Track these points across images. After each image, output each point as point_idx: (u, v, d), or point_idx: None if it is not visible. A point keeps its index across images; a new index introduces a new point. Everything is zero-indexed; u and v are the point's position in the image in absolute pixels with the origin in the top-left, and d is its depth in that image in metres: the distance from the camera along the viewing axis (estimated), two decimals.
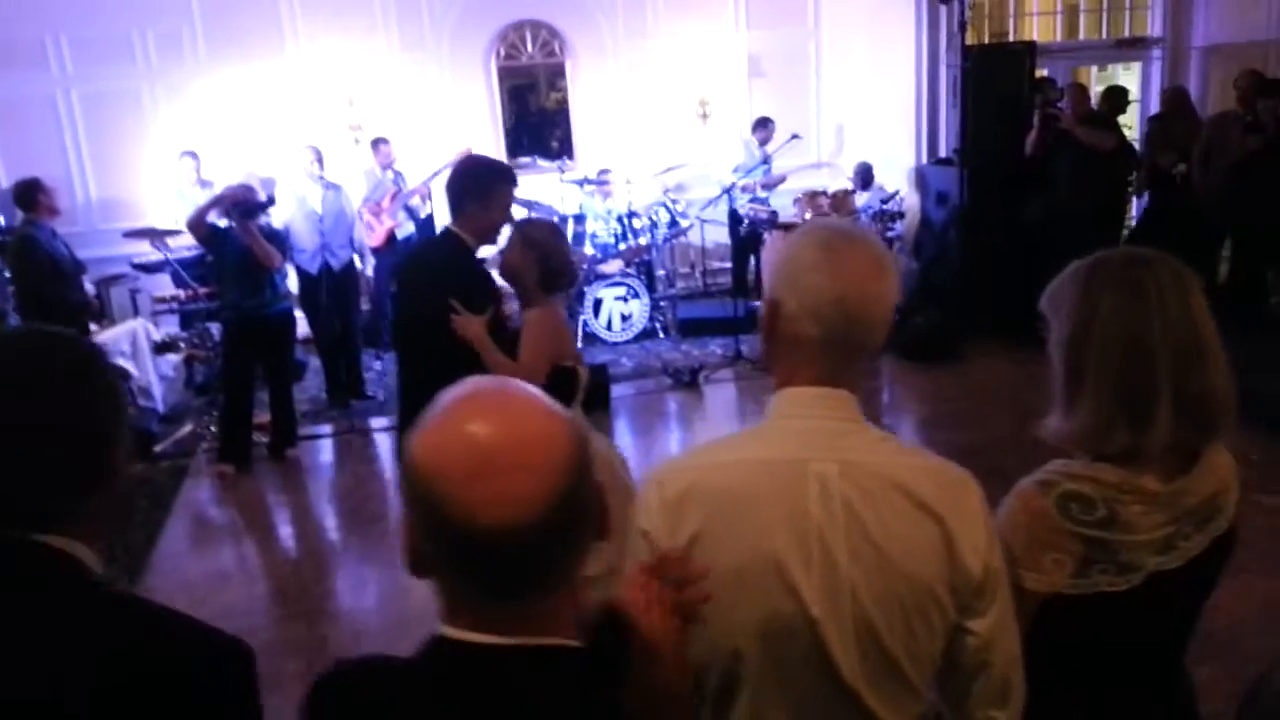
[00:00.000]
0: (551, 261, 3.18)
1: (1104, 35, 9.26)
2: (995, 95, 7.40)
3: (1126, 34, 9.15)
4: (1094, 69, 9.38)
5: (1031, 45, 7.71)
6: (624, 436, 6.23)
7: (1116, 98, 7.67)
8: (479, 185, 3.34)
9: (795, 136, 8.41)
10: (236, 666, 1.08)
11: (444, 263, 3.39)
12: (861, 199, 8.15)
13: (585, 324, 7.81)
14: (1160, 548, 1.50)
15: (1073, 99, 7.39)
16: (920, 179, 8.62)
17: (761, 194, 8.47)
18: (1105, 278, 1.53)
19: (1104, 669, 1.56)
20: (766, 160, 8.52)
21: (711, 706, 1.36)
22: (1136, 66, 9.20)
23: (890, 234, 7.85)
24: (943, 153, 8.63)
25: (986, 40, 8.62)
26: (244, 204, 5.45)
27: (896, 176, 8.60)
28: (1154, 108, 8.61)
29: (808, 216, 7.51)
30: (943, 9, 8.30)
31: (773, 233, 7.74)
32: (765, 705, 1.34)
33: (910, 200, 8.47)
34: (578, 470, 0.95)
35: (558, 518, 0.93)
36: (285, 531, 5.36)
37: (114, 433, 1.16)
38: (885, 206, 7.90)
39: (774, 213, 8.07)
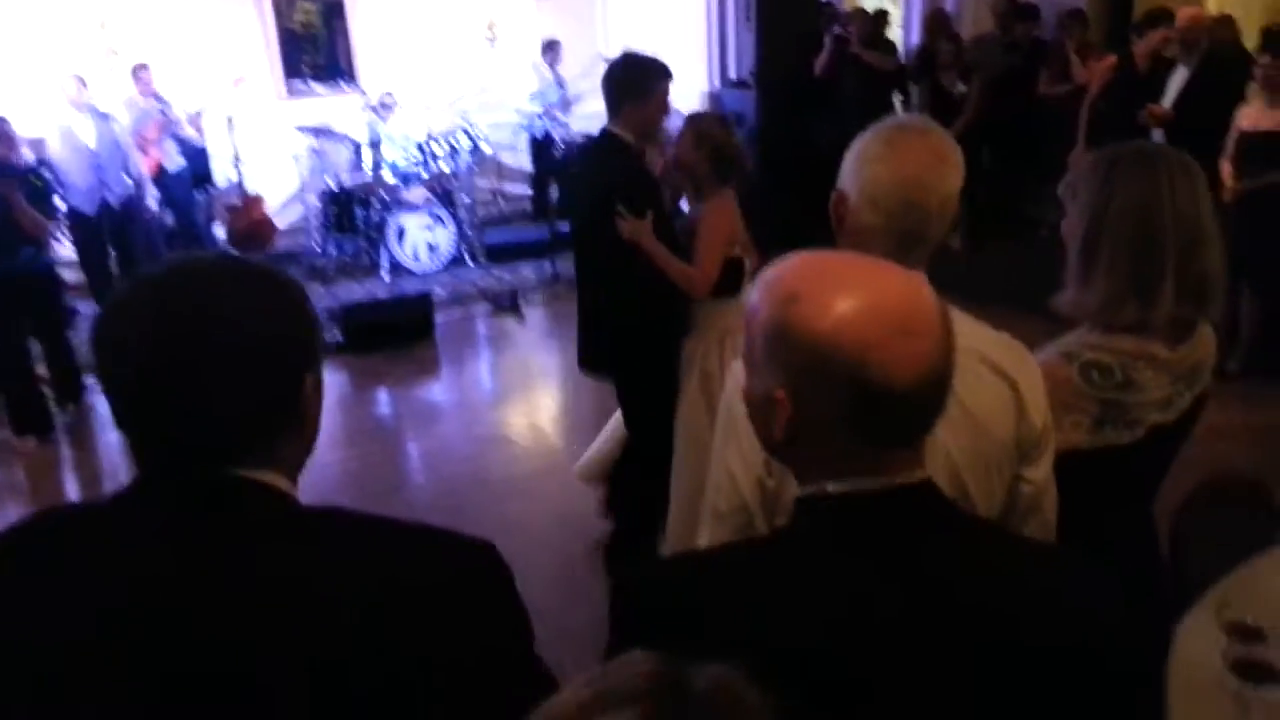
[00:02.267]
0: (724, 151, 3.24)
1: None
2: (786, 18, 7.67)
3: None
4: None
5: None
6: (455, 364, 6.12)
7: (878, 20, 8.18)
8: (637, 82, 3.29)
9: (602, 58, 8.35)
10: (494, 565, 1.04)
11: (608, 164, 3.31)
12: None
13: (391, 254, 7.53)
14: (1161, 406, 1.72)
15: (858, 23, 7.81)
16: (715, 102, 8.83)
17: (561, 117, 8.41)
18: (1123, 168, 1.71)
19: (1104, 502, 1.77)
20: (561, 83, 8.45)
21: None
22: None
23: None
24: (733, 75, 8.86)
25: None
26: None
27: (690, 99, 8.76)
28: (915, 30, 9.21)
29: None
30: None
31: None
32: None
33: None
34: (950, 333, 1.02)
35: (948, 369, 1.01)
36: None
37: (315, 364, 1.06)
38: None
39: (588, 136, 8.01)
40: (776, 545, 1.10)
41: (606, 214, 3.11)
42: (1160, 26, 6.13)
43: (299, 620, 0.93)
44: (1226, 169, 4.81)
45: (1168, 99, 5.88)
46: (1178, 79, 5.89)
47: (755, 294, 1.05)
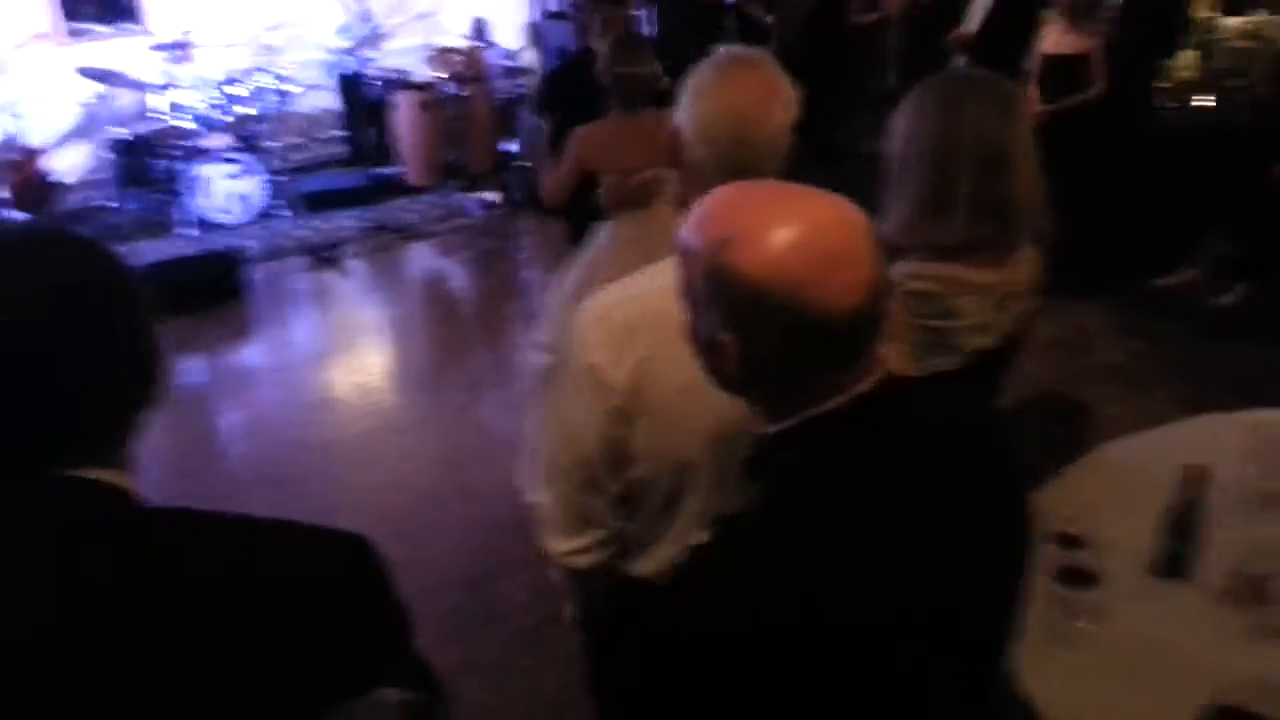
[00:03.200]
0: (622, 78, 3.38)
1: None
2: None
3: None
4: None
5: None
6: (273, 324, 5.79)
7: None
8: None
9: None
10: (364, 560, 0.97)
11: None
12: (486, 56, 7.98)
13: (195, 208, 7.03)
14: (981, 329, 1.76)
15: None
16: (537, 34, 8.58)
17: (370, 54, 7.99)
18: (929, 96, 1.75)
19: None
20: (367, 17, 8.02)
21: (657, 514, 1.43)
22: None
23: (520, 90, 7.80)
24: (553, 6, 8.62)
25: None
26: None
27: (510, 32, 8.50)
28: None
29: (442, 75, 7.24)
30: None
31: (404, 94, 7.38)
32: (711, 506, 1.42)
33: (529, 57, 8.43)
34: (880, 256, 1.03)
35: (884, 285, 1.03)
36: None
37: (153, 350, 0.96)
38: (511, 63, 7.81)
39: (404, 73, 7.68)
40: (795, 494, 1.06)
41: None
42: None
43: (162, 628, 0.85)
44: (1032, 92, 5.01)
45: (972, 23, 6.09)
46: (980, 3, 6.11)
47: (689, 233, 1.05)
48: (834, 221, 1.01)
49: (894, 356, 1.69)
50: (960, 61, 5.98)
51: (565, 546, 1.46)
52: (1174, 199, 5.02)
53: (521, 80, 7.96)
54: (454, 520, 3.63)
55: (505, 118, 7.72)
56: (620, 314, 1.38)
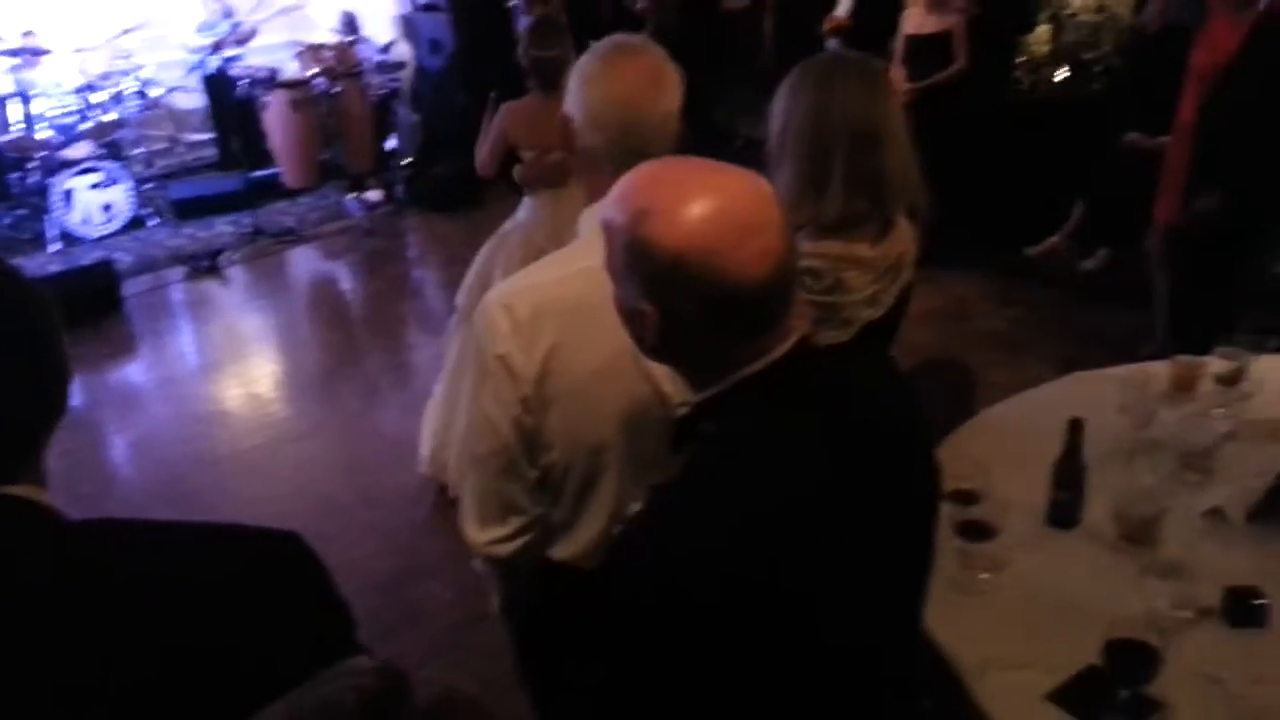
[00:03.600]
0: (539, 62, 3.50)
1: None
2: None
3: None
4: None
5: None
6: (153, 339, 5.58)
7: None
8: None
9: None
10: (299, 555, 0.99)
11: None
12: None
13: (59, 221, 6.72)
14: (869, 302, 1.85)
15: None
16: (410, 27, 8.45)
17: (234, 52, 7.74)
18: (804, 79, 1.83)
19: None
20: (230, 13, 7.77)
21: (574, 498, 1.46)
22: None
23: (393, 86, 7.67)
24: None
25: None
26: None
27: (380, 25, 8.34)
28: None
29: (313, 72, 7.06)
30: None
31: (274, 93, 7.17)
32: (626, 486, 1.46)
33: (403, 50, 8.30)
34: (788, 224, 1.09)
35: (793, 253, 1.09)
36: None
37: (65, 360, 0.94)
38: (384, 58, 7.67)
39: (273, 70, 7.45)
40: (719, 463, 1.10)
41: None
42: None
43: (99, 641, 0.84)
44: (896, 71, 5.18)
45: (842, 8, 6.26)
46: None
47: (610, 207, 1.10)
48: (746, 193, 1.06)
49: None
50: (833, 45, 6.16)
51: (487, 536, 1.48)
52: (1039, 170, 5.27)
53: (396, 75, 7.83)
54: (361, 526, 3.59)
55: (382, 114, 7.59)
56: (525, 303, 1.40)
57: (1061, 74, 5.80)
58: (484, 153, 3.68)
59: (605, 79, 1.45)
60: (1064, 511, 1.98)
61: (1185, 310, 3.89)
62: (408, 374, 4.99)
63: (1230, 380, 2.32)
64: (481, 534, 1.47)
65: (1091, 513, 1.99)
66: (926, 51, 5.06)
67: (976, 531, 1.86)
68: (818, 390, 1.12)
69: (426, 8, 8.22)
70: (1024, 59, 5.75)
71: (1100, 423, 2.17)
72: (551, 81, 3.40)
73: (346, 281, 6.53)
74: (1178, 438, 2.12)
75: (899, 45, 5.23)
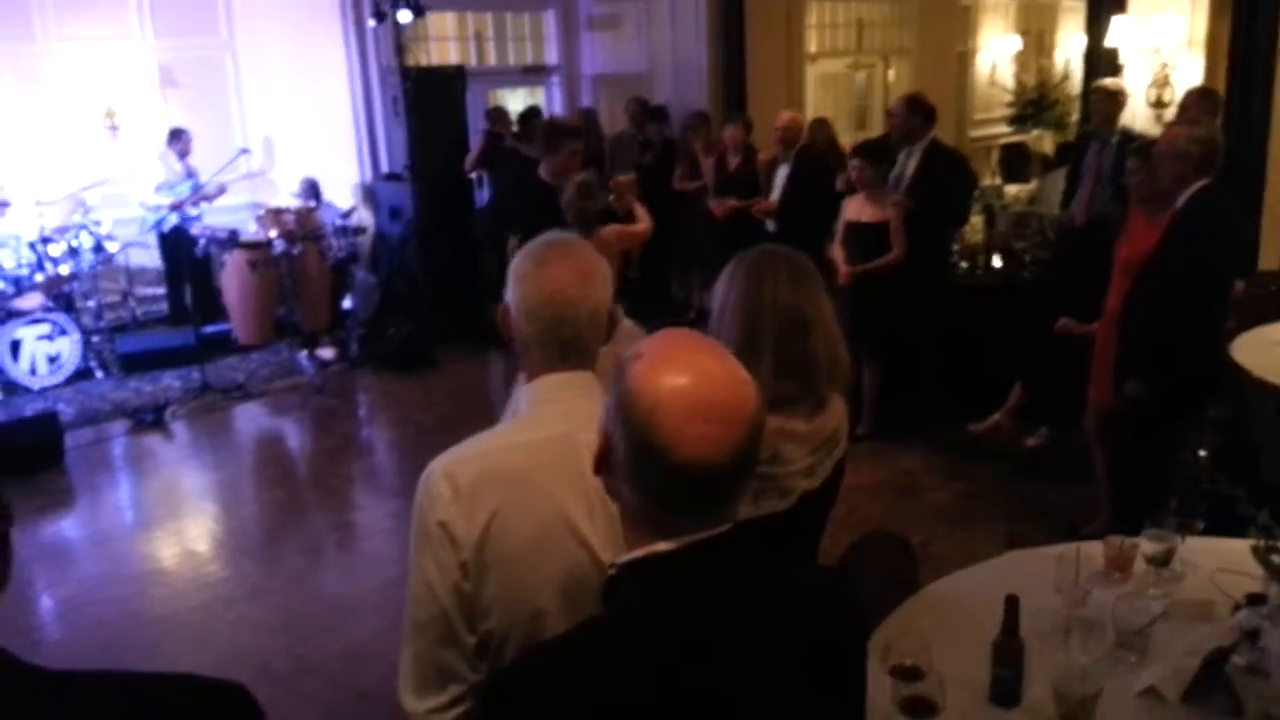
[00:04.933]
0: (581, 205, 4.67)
1: (510, 62, 10.18)
2: (435, 114, 7.83)
3: (529, 62, 10.16)
4: (505, 91, 10.26)
5: (461, 69, 8.26)
6: (91, 493, 5.46)
7: (530, 116, 8.59)
8: (551, 141, 5.28)
9: (244, 151, 8.01)
10: (243, 705, 0.99)
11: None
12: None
13: (3, 370, 6.65)
14: (807, 473, 1.95)
15: (500, 119, 8.17)
16: (370, 195, 8.73)
17: (194, 211, 7.91)
18: (739, 269, 2.01)
19: None
20: (191, 174, 7.98)
21: None
22: (541, 90, 10.27)
23: (352, 249, 7.85)
24: (384, 168, 8.82)
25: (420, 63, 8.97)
26: None
27: (341, 191, 8.60)
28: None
29: (273, 234, 7.20)
30: (369, 30, 8.51)
31: (233, 253, 7.29)
32: None
33: (364, 216, 8.55)
34: (758, 424, 1.14)
35: (740, 459, 1.11)
36: None
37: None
38: (345, 222, 7.89)
39: (234, 231, 7.60)
40: (611, 623, 1.17)
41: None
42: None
43: None
44: (838, 253, 5.45)
45: (774, 194, 6.67)
46: (781, 173, 6.69)
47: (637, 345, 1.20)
48: (721, 382, 1.12)
49: None
50: (769, 224, 6.53)
51: (425, 705, 1.46)
52: (979, 352, 5.50)
53: (356, 239, 8.03)
54: (299, 695, 3.47)
55: (340, 275, 7.75)
56: (468, 472, 1.44)
57: (995, 261, 6.13)
58: None
59: (538, 277, 1.55)
60: (1005, 689, 2.01)
61: (1122, 486, 4.03)
62: (352, 535, 4.91)
63: (1161, 561, 2.40)
64: (419, 703, 1.46)
65: (1032, 690, 2.01)
66: (865, 237, 5.34)
67: (919, 708, 1.87)
68: (731, 583, 1.14)
69: (389, 176, 8.53)
70: (958, 247, 6.09)
71: (1038, 601, 2.22)
72: (590, 224, 4.59)
73: (294, 439, 6.50)
74: (1114, 617, 2.17)
75: (840, 228, 5.51)
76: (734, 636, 1.12)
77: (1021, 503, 4.78)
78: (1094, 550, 2.53)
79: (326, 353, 7.39)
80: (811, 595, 1.24)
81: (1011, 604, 2.00)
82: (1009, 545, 4.23)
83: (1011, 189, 8.21)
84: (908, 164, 5.62)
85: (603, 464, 1.17)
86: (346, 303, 7.74)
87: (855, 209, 5.42)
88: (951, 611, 2.37)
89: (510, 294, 1.59)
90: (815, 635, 1.20)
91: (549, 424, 1.50)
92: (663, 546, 1.12)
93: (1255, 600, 2.17)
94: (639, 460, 1.11)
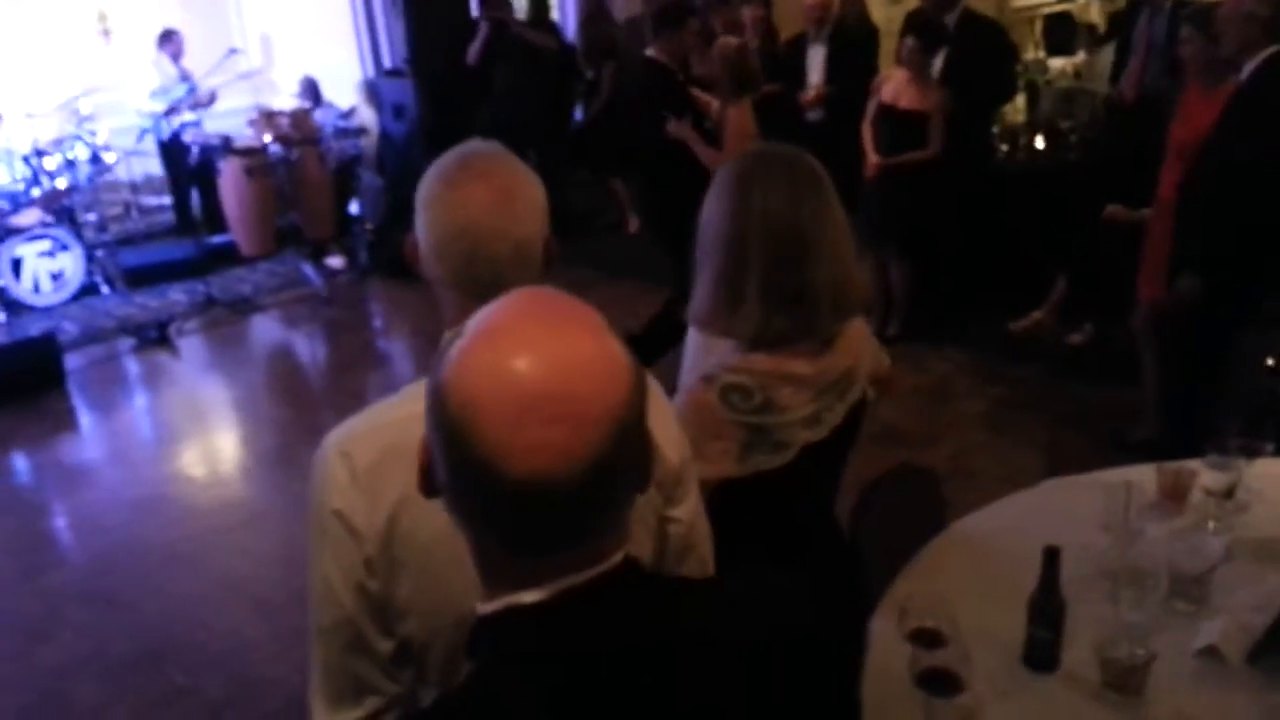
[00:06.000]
0: (741, 69, 4.47)
1: None
2: (438, 4, 7.38)
3: None
4: None
5: None
6: (98, 414, 5.32)
7: (541, 3, 8.09)
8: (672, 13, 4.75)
9: (233, 51, 7.61)
10: None
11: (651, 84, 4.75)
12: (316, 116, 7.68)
13: (5, 289, 6.48)
14: (809, 422, 1.63)
15: (499, 3, 7.62)
16: (373, 92, 8.32)
17: (191, 117, 7.57)
18: (728, 176, 1.64)
19: (771, 539, 1.66)
20: (187, 78, 7.61)
21: (442, 672, 1.22)
22: None
23: (355, 151, 7.51)
24: (387, 64, 8.40)
25: None
26: None
27: (344, 90, 8.20)
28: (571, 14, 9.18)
29: (268, 138, 6.89)
30: None
31: (228, 159, 6.99)
32: None
33: (366, 115, 8.16)
34: (631, 421, 0.81)
35: (598, 474, 0.78)
36: None
37: None
38: (344, 123, 7.53)
39: (226, 137, 7.28)
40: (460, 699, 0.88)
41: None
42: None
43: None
44: (867, 135, 5.02)
45: (814, 75, 6.15)
46: (815, 56, 6.17)
47: None
48: (570, 361, 0.78)
49: (717, 454, 1.57)
50: (814, 116, 6.02)
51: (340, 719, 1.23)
52: (1019, 243, 5.12)
53: (358, 140, 7.68)
54: (288, 631, 3.29)
55: (344, 179, 7.42)
56: (367, 449, 1.18)
57: (1037, 143, 5.68)
58: (728, 154, 3.98)
59: (448, 203, 1.25)
60: (1041, 652, 1.75)
61: (1173, 393, 3.70)
62: None
63: (1224, 492, 2.11)
64: (333, 717, 1.22)
65: (1072, 653, 1.75)
66: (901, 124, 4.87)
67: (943, 683, 1.62)
68: (607, 645, 0.83)
69: (390, 73, 8.11)
70: (999, 128, 5.63)
71: (1081, 539, 1.95)
72: (747, 86, 4.53)
73: (303, 353, 6.30)
74: (1167, 562, 1.89)
75: (872, 108, 5.06)
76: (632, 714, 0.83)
77: (1063, 408, 4.46)
78: (1145, 476, 2.24)
79: (334, 261, 7.14)
80: (756, 633, 0.91)
81: (1051, 556, 1.72)
82: (1050, 457, 3.98)
83: (1056, 63, 7.62)
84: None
85: (428, 485, 0.86)
86: (353, 208, 7.43)
87: (893, 90, 4.92)
88: (981, 555, 2.10)
89: (418, 223, 1.29)
90: (758, 690, 0.89)
91: None
92: (528, 597, 0.82)
93: None
94: (459, 481, 0.80)
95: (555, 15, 8.89)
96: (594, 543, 0.83)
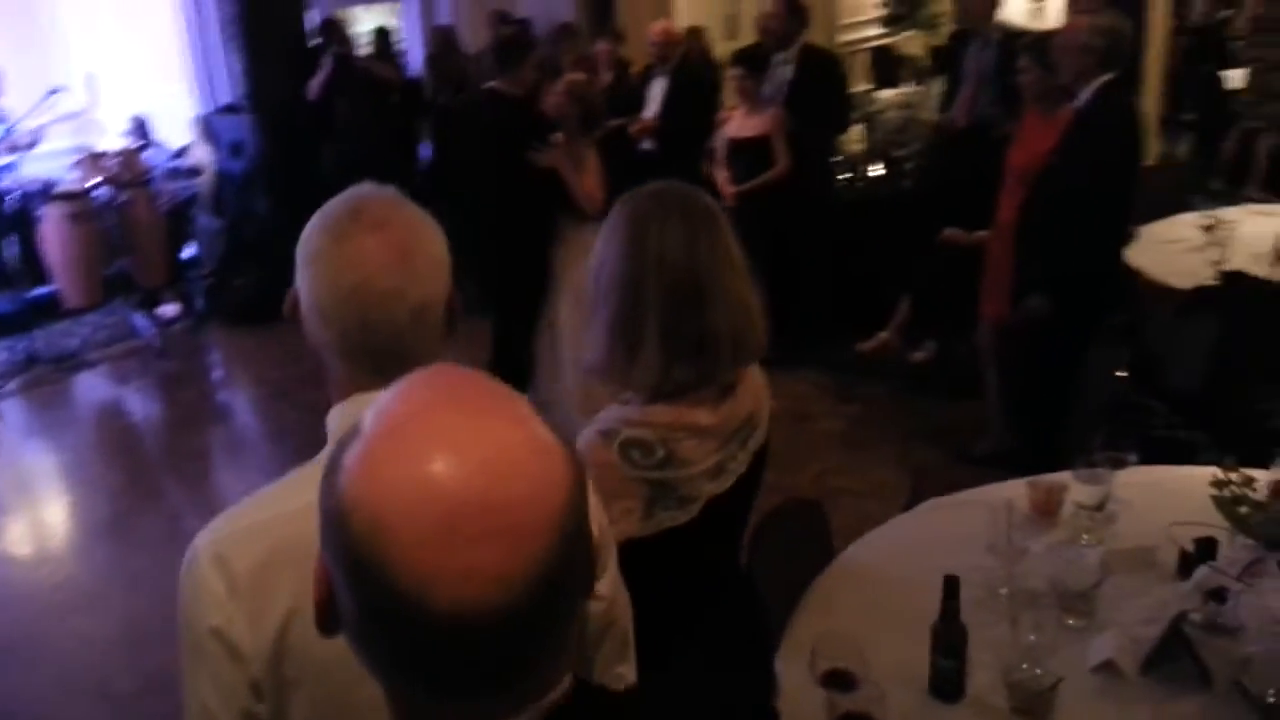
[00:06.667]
0: (590, 104, 4.42)
1: None
2: (274, 37, 7.10)
3: None
4: (354, 9, 9.44)
5: None
6: None
7: (384, 36, 7.93)
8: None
9: (56, 90, 7.08)
10: None
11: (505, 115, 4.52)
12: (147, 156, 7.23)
13: None
14: (713, 473, 1.58)
15: (336, 33, 7.39)
16: (208, 130, 7.91)
17: (8, 160, 7.01)
18: (621, 216, 1.56)
19: (682, 595, 1.60)
20: (3, 119, 7.06)
21: None
22: (398, 7, 9.52)
23: (190, 192, 7.12)
24: (222, 100, 8.01)
25: None
26: None
27: (176, 129, 7.77)
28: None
29: (94, 181, 6.44)
30: None
31: (50, 205, 6.50)
32: None
33: (201, 154, 7.75)
34: (574, 524, 0.67)
35: (541, 595, 0.65)
36: None
37: None
38: (177, 163, 7.13)
39: (48, 182, 6.77)
40: None
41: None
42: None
43: None
44: (721, 174, 5.12)
45: (652, 106, 6.19)
46: (657, 88, 6.23)
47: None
48: (499, 455, 0.65)
49: (619, 514, 1.49)
50: (646, 146, 6.06)
51: None
52: (864, 266, 5.28)
53: (192, 181, 7.29)
54: None
55: (178, 222, 7.02)
56: (247, 553, 1.03)
57: (876, 170, 5.89)
58: (598, 191, 4.17)
59: (335, 260, 1.09)
60: (947, 682, 1.76)
61: (1020, 405, 3.87)
62: (208, 516, 4.40)
63: (1096, 505, 2.18)
64: None
65: (976, 679, 1.77)
66: (748, 153, 5.03)
67: None
68: None
69: (226, 109, 7.75)
70: (840, 158, 5.82)
71: (968, 562, 1.98)
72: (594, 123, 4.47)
73: (138, 411, 5.88)
74: (1053, 580, 1.94)
75: (720, 147, 5.18)
76: None
77: (914, 424, 4.62)
78: (1018, 495, 2.30)
79: (168, 310, 6.72)
80: None
81: (951, 585, 1.73)
82: (906, 477, 4.08)
83: (885, 94, 7.98)
84: (784, 70, 5.28)
85: (328, 622, 0.71)
86: (188, 252, 7.03)
87: (736, 125, 5.09)
88: (873, 584, 2.11)
89: (299, 280, 1.13)
90: None
91: None
92: None
93: (1205, 548, 1.97)
94: (369, 619, 0.66)
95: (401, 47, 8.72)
96: (538, 674, 0.71)
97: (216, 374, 6.34)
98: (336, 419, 1.13)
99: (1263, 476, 1.83)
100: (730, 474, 1.59)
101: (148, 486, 4.73)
